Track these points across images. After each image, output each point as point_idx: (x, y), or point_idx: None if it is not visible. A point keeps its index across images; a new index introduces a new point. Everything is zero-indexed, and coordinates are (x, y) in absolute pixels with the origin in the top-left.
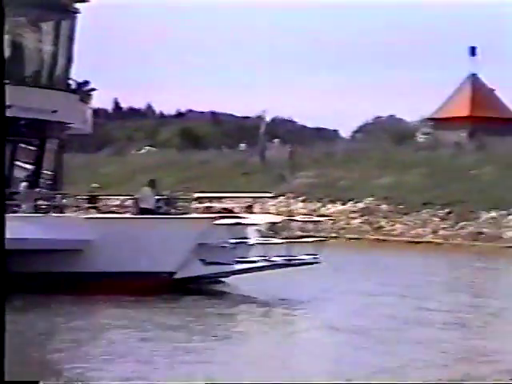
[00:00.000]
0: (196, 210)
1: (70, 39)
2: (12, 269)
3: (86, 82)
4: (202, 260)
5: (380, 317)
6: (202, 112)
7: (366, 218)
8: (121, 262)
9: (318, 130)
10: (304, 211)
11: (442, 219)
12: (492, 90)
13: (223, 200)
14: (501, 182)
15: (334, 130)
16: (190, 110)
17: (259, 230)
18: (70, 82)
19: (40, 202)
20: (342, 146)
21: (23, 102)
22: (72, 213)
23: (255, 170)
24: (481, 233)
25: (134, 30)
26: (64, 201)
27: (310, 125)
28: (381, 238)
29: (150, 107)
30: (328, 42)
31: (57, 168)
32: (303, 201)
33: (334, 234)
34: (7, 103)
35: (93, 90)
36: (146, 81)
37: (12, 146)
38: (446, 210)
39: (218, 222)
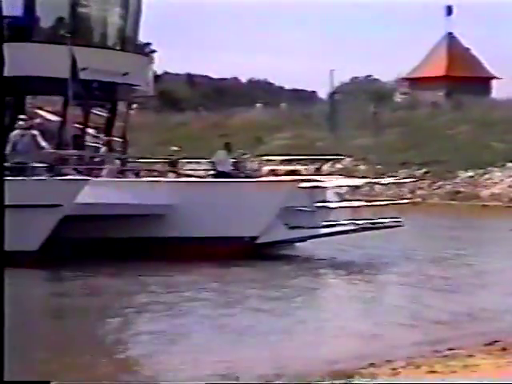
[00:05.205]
0: (262, 173)
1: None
2: (94, 234)
3: (148, 44)
4: (285, 224)
5: None
6: (178, 74)
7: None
8: (203, 226)
9: (296, 91)
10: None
11: (420, 179)
12: (468, 49)
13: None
14: (477, 141)
15: (312, 91)
16: (166, 73)
17: (338, 193)
18: (138, 43)
19: (119, 167)
20: (320, 107)
21: (95, 64)
22: (151, 177)
23: (232, 132)
24: (458, 192)
25: None
26: (143, 165)
27: (287, 86)
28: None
29: None
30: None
31: (125, 131)
32: (281, 162)
33: None
34: (81, 66)
35: (154, 51)
36: None
37: (85, 111)
38: (424, 170)
39: (301, 185)
